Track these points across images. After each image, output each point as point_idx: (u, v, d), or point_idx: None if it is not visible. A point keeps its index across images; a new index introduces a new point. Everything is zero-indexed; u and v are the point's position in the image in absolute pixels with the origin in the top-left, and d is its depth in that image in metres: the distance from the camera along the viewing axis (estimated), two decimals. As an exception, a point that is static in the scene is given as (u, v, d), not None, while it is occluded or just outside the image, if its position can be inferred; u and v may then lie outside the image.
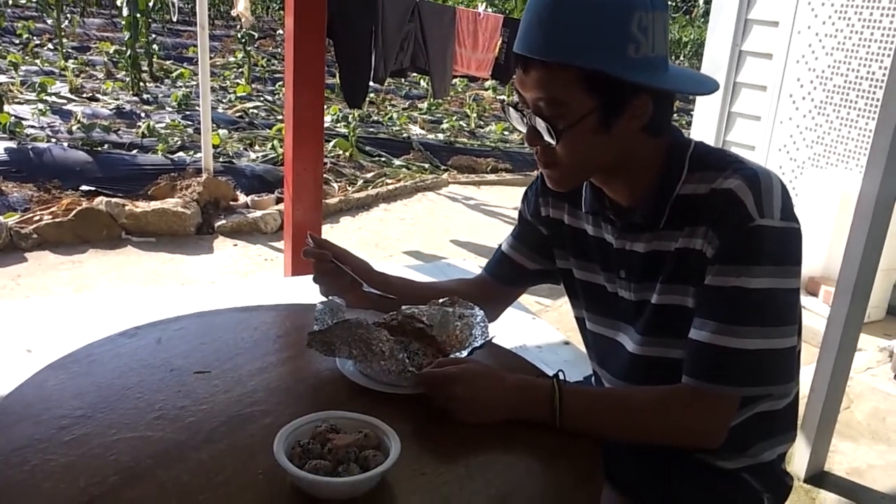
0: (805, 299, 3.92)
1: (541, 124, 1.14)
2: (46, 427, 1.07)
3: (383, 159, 6.81)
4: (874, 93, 3.89)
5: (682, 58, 15.14)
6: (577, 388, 1.29)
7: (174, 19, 4.99)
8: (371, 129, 7.62)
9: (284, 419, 1.06)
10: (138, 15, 7.39)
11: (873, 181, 2.25)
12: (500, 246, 1.52)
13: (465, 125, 8.35)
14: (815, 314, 3.76)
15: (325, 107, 7.87)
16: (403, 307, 1.32)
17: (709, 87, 1.24)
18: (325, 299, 1.31)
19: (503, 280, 1.51)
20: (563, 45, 1.08)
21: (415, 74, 7.38)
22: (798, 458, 2.58)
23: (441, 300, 1.34)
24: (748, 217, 1.10)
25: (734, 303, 1.12)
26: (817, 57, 4.13)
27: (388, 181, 6.23)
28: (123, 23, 7.59)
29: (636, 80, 1.10)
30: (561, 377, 1.19)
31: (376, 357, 1.18)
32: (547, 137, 1.15)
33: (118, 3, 6.63)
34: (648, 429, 1.18)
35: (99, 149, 5.56)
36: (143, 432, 1.09)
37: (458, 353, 1.24)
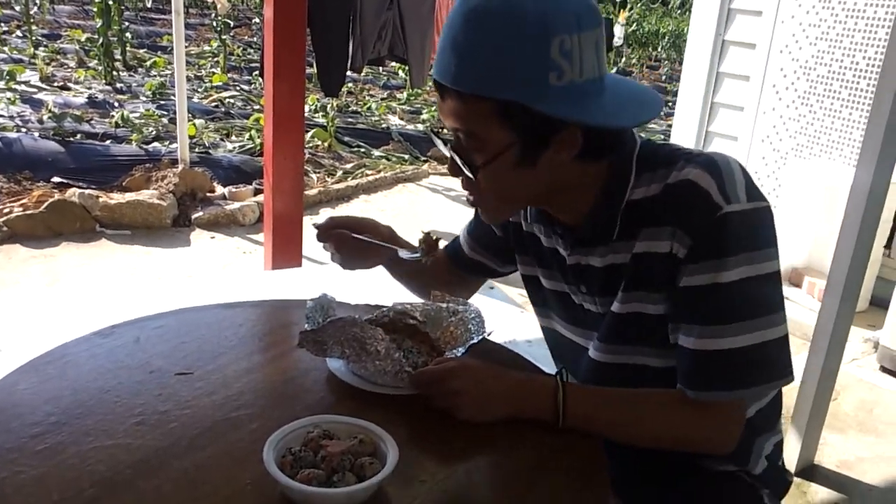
0: (789, 291, 3.91)
1: (459, 156, 1.06)
2: (17, 435, 1.00)
3: (362, 150, 6.72)
4: (857, 83, 3.88)
5: (659, 49, 15.17)
6: (582, 386, 1.24)
7: (148, 6, 4.86)
8: (349, 120, 7.52)
9: (273, 424, 1.00)
10: (110, 2, 7.21)
11: (866, 171, 2.23)
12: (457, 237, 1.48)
13: (444, 115, 8.28)
14: (800, 305, 3.76)
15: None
16: (395, 304, 1.26)
17: (647, 113, 1.09)
18: (315, 296, 1.24)
19: (467, 271, 1.48)
20: (476, 74, 0.99)
21: (393, 64, 7.31)
22: (788, 452, 2.56)
23: (435, 295, 1.29)
24: (715, 207, 1.02)
25: (714, 301, 1.05)
26: (801, 47, 4.11)
27: (368, 172, 6.15)
28: (95, 10, 7.40)
29: (558, 113, 0.99)
30: (563, 375, 1.14)
31: (371, 357, 1.12)
32: (466, 170, 1.07)
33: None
34: (655, 434, 1.13)
35: (71, 139, 5.41)
36: (122, 439, 1.02)
37: (454, 351, 1.18)
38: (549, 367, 1.37)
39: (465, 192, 1.14)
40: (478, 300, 2.29)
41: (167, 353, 1.25)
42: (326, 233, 1.35)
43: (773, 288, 1.08)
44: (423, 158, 6.84)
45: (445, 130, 1.12)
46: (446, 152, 1.11)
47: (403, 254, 1.31)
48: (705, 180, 1.04)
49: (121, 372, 1.19)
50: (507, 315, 2.44)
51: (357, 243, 1.33)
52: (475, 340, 1.20)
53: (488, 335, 1.24)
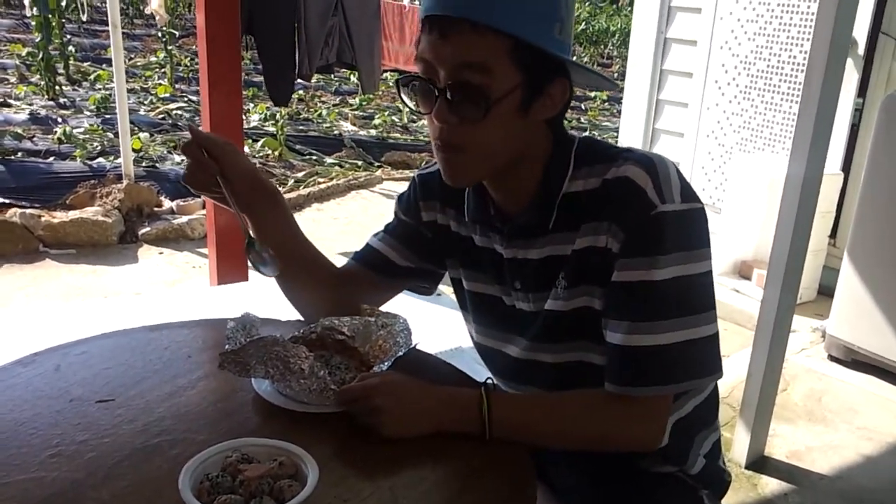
0: (738, 283, 3.97)
1: (463, 95, 1.02)
2: (-77, 475, 0.96)
3: (314, 158, 6.67)
4: (796, 76, 3.95)
5: (610, 47, 15.32)
6: (507, 395, 1.23)
7: (83, 18, 4.74)
8: (301, 127, 7.47)
9: (195, 449, 0.97)
10: (49, 15, 7.05)
11: (799, 163, 2.26)
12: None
13: (397, 120, 8.26)
14: (749, 297, 3.81)
15: (253, 105, 7.70)
16: (322, 319, 1.23)
17: (611, 82, 1.25)
18: (237, 316, 1.21)
19: (372, 268, 1.35)
20: (499, 8, 0.99)
21: (343, 70, 7.27)
22: (738, 445, 2.59)
23: (364, 309, 1.27)
24: (650, 205, 1.03)
25: (644, 298, 1.05)
26: (740, 42, 4.18)
27: (320, 180, 6.10)
28: (34, 23, 7.24)
29: (564, 58, 1.05)
30: (490, 384, 1.13)
31: (295, 376, 1.09)
32: (471, 110, 1.03)
33: (26, 3, 6.32)
34: (583, 436, 1.12)
35: (12, 157, 5.28)
36: (36, 473, 0.99)
37: (381, 366, 1.16)
38: (488, 373, 1.36)
39: (437, 146, 1.09)
40: (425, 306, 2.28)
41: (89, 380, 1.21)
42: (189, 149, 1.19)
43: (705, 287, 1.08)
44: (376, 164, 6.82)
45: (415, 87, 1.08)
46: (419, 104, 1.08)
47: (258, 247, 1.22)
48: (642, 178, 1.05)
49: (39, 402, 1.15)
50: (453, 321, 2.42)
51: (213, 181, 1.19)
52: (401, 353, 1.18)
53: (415, 346, 1.22)
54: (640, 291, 1.05)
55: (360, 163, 6.75)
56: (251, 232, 1.24)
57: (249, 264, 1.26)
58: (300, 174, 6.15)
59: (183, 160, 5.79)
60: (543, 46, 1.02)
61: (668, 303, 1.05)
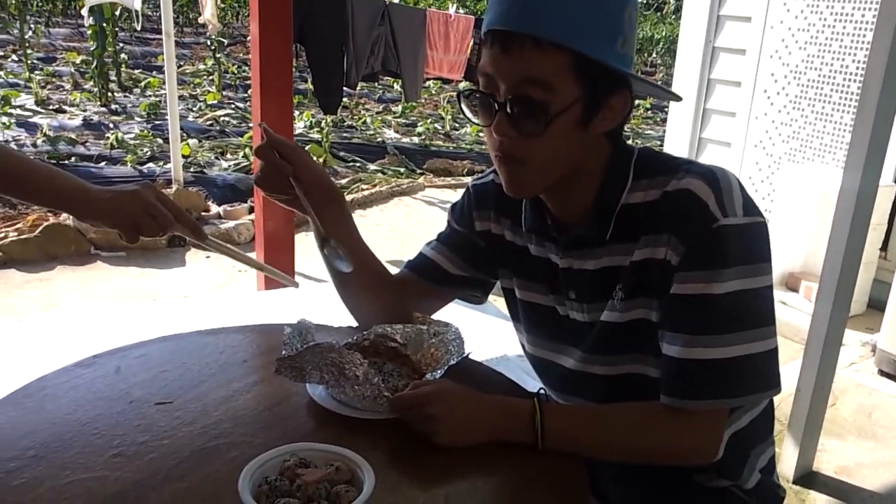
0: (786, 295, 3.90)
1: (523, 110, 1.03)
2: (-7, 471, 0.99)
3: (358, 164, 6.73)
4: (848, 86, 3.88)
5: (654, 55, 15.20)
6: (560, 406, 1.23)
7: (137, 27, 4.87)
8: (345, 135, 7.54)
9: (251, 452, 0.99)
10: (104, 24, 7.25)
11: (854, 175, 2.22)
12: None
13: (439, 128, 8.30)
14: (797, 310, 3.74)
15: (298, 112, 7.80)
16: (375, 327, 1.25)
17: (674, 93, 1.22)
18: (293, 322, 1.23)
19: (425, 276, 1.36)
20: (559, 23, 0.99)
21: (387, 78, 7.34)
22: (786, 459, 2.55)
23: (416, 317, 1.28)
24: (712, 218, 1.02)
25: (704, 311, 1.04)
26: (791, 52, 4.12)
27: (364, 187, 6.16)
28: (90, 32, 7.44)
29: (626, 72, 1.05)
30: (543, 395, 1.13)
31: (350, 382, 1.11)
32: (531, 125, 1.03)
33: (84, 13, 6.51)
34: (638, 448, 1.12)
35: (66, 162, 5.43)
36: (100, 472, 1.01)
37: (434, 373, 1.17)
38: (536, 382, 1.36)
39: (498, 158, 1.11)
40: (471, 315, 2.29)
41: (148, 382, 1.24)
42: (262, 152, 1.21)
43: (766, 302, 1.07)
44: (418, 172, 6.85)
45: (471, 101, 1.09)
46: (479, 117, 1.09)
47: (327, 250, 1.24)
48: (703, 191, 1.04)
49: (100, 403, 1.18)
50: (499, 330, 2.43)
51: (286, 183, 1.21)
52: (453, 362, 1.19)
53: (468, 356, 1.23)
54: (700, 304, 1.04)
55: (402, 170, 6.79)
56: (322, 231, 1.25)
57: (324, 261, 1.28)
58: (344, 181, 6.21)
59: (230, 166, 5.91)
60: (605, 61, 1.02)
61: (729, 317, 1.04)
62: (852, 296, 2.44)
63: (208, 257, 4.61)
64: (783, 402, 2.80)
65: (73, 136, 6.08)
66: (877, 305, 3.63)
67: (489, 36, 1.04)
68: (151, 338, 1.40)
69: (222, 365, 1.30)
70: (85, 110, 7.22)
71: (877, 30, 2.15)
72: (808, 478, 2.56)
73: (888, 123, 2.21)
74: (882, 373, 3.24)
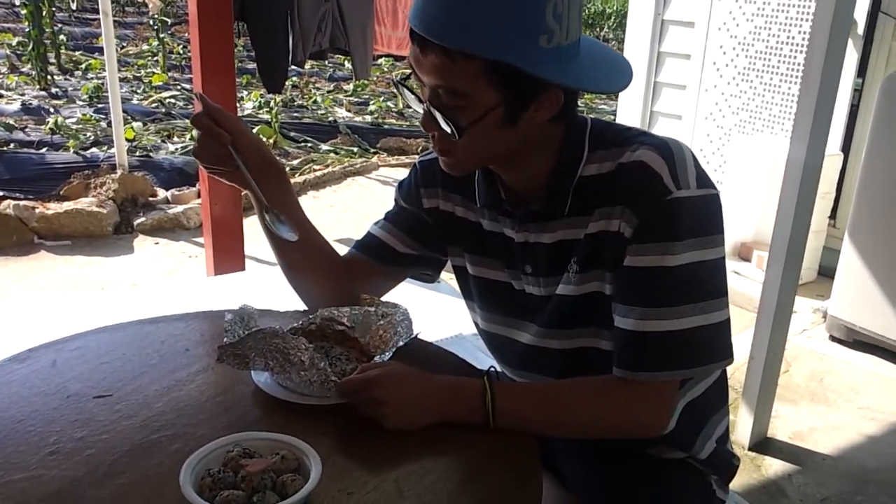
0: (738, 265, 3.95)
1: (442, 115, 1.02)
2: (-82, 475, 0.94)
3: (309, 145, 6.63)
4: (795, 57, 3.92)
5: (606, 29, 15.24)
6: (510, 384, 1.21)
7: (73, 7, 4.68)
8: (295, 115, 7.41)
9: (195, 444, 0.96)
10: (40, 3, 6.98)
11: (800, 145, 2.24)
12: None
13: (392, 106, 8.20)
14: (749, 279, 3.80)
15: (247, 93, 7.64)
16: (321, 310, 1.21)
17: (624, 79, 1.10)
18: (234, 308, 1.19)
19: (373, 256, 1.33)
20: (468, 30, 0.95)
21: (338, 56, 7.21)
22: (742, 427, 2.59)
23: (364, 298, 1.25)
24: (665, 190, 1.02)
25: (658, 283, 1.04)
26: (738, 24, 4.14)
27: (316, 167, 6.06)
28: (24, 12, 7.16)
29: (547, 75, 0.99)
30: (493, 373, 1.12)
31: (295, 368, 1.07)
32: (446, 128, 1.03)
33: (16, -8, 6.28)
34: (589, 423, 1.11)
35: (4, 148, 5.24)
36: (35, 471, 0.97)
37: (382, 356, 1.14)
38: (491, 361, 1.34)
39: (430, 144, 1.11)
40: (425, 295, 2.26)
41: (86, 375, 1.19)
42: (199, 120, 1.16)
43: (719, 273, 1.07)
44: (372, 151, 6.78)
45: (412, 82, 1.07)
46: (417, 107, 1.08)
47: (268, 219, 1.18)
48: (657, 163, 1.03)
49: (35, 399, 1.13)
50: (453, 309, 2.40)
51: (225, 153, 1.15)
52: (402, 343, 1.16)
53: (416, 336, 1.20)
54: (653, 277, 1.04)
55: (355, 149, 6.70)
56: (264, 201, 1.19)
57: (266, 231, 1.23)
58: (295, 162, 6.11)
59: (177, 149, 5.77)
60: (519, 65, 0.97)
61: (682, 288, 1.04)
62: (802, 263, 2.48)
63: (157, 244, 4.50)
64: (737, 371, 2.84)
65: (10, 121, 5.87)
66: (827, 273, 3.70)
67: (411, 32, 1.01)
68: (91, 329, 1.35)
69: (164, 355, 1.26)
70: (23, 94, 6.96)
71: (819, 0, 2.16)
72: (763, 444, 2.61)
73: (832, 93, 2.23)
74: (833, 338, 3.31)
